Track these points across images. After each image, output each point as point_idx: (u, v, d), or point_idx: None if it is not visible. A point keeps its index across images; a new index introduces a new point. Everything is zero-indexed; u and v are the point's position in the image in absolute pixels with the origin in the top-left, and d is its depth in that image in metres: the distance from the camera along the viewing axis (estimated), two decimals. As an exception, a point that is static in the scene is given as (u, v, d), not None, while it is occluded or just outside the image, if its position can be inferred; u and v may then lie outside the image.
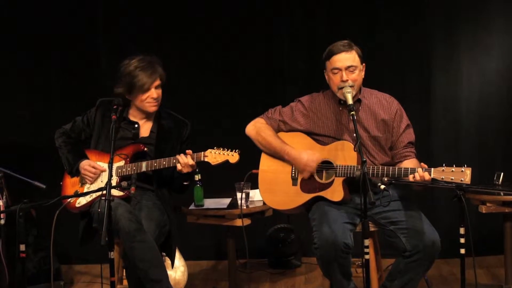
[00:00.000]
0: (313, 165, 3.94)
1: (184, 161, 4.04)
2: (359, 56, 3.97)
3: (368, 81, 4.09)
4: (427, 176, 3.63)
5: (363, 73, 4.01)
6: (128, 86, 4.19)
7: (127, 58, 4.26)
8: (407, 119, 4.07)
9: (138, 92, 4.19)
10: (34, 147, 5.64)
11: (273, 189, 4.08)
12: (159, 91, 4.25)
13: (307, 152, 3.98)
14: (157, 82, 4.22)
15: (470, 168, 3.55)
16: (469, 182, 3.53)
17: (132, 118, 4.33)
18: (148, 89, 4.19)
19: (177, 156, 4.05)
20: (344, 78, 3.92)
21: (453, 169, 3.58)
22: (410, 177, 3.68)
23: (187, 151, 4.08)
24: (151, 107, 4.25)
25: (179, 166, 4.05)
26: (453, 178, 3.56)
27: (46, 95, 5.75)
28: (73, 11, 5.67)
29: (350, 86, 3.89)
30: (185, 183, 4.24)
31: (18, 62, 5.73)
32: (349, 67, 3.93)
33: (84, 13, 5.69)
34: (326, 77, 4.03)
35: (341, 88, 3.91)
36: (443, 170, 3.60)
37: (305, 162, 3.95)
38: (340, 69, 3.93)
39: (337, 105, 4.05)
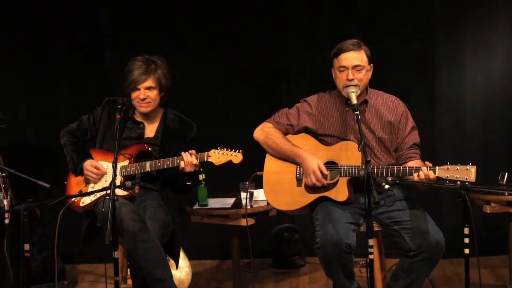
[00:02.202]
0: (319, 176, 3.92)
1: (188, 159, 4.04)
2: (367, 56, 3.96)
3: (372, 81, 4.09)
4: (431, 175, 3.63)
5: (370, 74, 4.01)
6: (124, 83, 4.20)
7: (135, 56, 4.27)
8: (412, 121, 4.06)
9: (129, 89, 4.20)
10: (39, 146, 5.66)
11: (278, 190, 4.08)
12: (152, 93, 4.21)
13: (316, 162, 3.94)
14: (148, 84, 4.18)
15: (475, 166, 3.55)
16: (474, 180, 3.52)
17: (137, 118, 4.34)
18: (137, 88, 4.19)
19: (182, 154, 4.05)
20: (350, 77, 3.91)
21: (458, 168, 3.58)
22: (415, 176, 3.68)
23: (190, 151, 4.08)
24: (140, 107, 4.24)
25: (182, 164, 4.05)
26: (458, 176, 3.56)
27: (50, 94, 5.77)
28: (77, 10, 5.68)
29: (355, 85, 3.89)
30: (188, 183, 4.24)
31: (21, 61, 5.75)
32: (356, 66, 3.92)
33: (89, 13, 5.70)
34: (333, 74, 4.02)
35: (347, 86, 3.91)
36: (447, 168, 3.60)
37: (313, 168, 3.94)
38: (346, 68, 3.93)
39: (343, 105, 4.05)
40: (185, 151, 4.14)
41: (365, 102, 4.04)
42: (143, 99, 4.20)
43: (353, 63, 3.92)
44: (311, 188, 3.98)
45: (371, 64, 4.00)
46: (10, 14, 5.70)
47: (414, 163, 3.93)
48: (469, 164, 3.56)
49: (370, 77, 4.02)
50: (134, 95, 4.21)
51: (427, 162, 3.72)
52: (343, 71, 3.95)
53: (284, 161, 4.09)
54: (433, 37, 5.58)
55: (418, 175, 3.67)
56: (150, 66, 4.19)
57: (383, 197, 3.72)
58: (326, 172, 3.91)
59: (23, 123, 5.72)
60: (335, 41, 4.06)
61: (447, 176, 3.59)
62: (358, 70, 3.93)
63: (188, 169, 4.06)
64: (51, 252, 4.90)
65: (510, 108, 5.55)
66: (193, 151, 4.07)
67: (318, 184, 3.91)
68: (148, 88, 4.19)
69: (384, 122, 4.03)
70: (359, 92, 3.91)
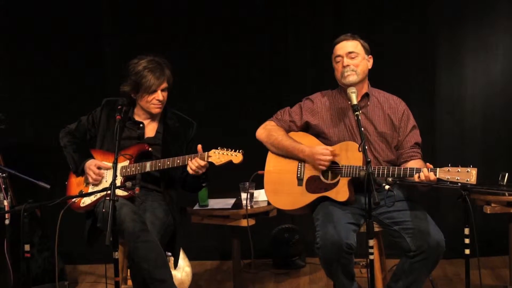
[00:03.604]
0: (325, 152, 3.92)
1: (196, 165, 4.01)
2: (363, 46, 4.02)
3: (373, 81, 4.10)
4: (432, 176, 3.63)
5: (370, 64, 4.04)
6: (135, 86, 4.19)
7: (137, 57, 4.25)
8: (413, 120, 4.07)
9: (144, 92, 4.20)
10: (39, 147, 5.65)
11: (279, 189, 4.08)
12: (165, 94, 4.25)
13: (319, 146, 3.97)
14: (164, 85, 4.22)
15: (476, 169, 3.54)
16: (475, 183, 3.53)
17: (137, 118, 4.33)
18: (154, 91, 4.19)
19: (189, 163, 4.02)
20: (345, 63, 3.96)
21: (459, 170, 3.57)
22: (416, 177, 3.68)
23: (198, 146, 4.07)
24: (155, 109, 4.25)
25: (191, 171, 4.03)
26: (458, 178, 3.56)
27: (50, 95, 5.77)
28: (77, 10, 5.68)
29: (352, 70, 3.92)
30: (203, 184, 4.26)
31: (22, 62, 5.75)
32: (350, 52, 3.97)
33: (89, 13, 5.70)
34: (334, 69, 4.05)
35: (345, 76, 3.93)
36: (448, 170, 3.60)
37: (317, 150, 3.94)
38: (341, 56, 3.98)
39: (345, 103, 4.05)
40: (186, 150, 4.18)
41: (367, 95, 4.06)
42: (161, 101, 4.23)
43: (347, 50, 3.98)
44: (311, 188, 3.98)
45: (370, 55, 4.03)
46: (10, 15, 5.69)
47: (415, 163, 3.94)
48: (470, 166, 3.56)
49: (370, 67, 4.04)
50: (150, 97, 4.21)
51: (428, 164, 3.71)
52: (339, 61, 4.00)
53: (286, 160, 4.08)
54: (433, 37, 5.58)
55: (419, 177, 3.67)
56: (163, 67, 4.22)
57: (384, 198, 3.72)
58: (328, 150, 3.91)
59: (24, 124, 5.72)
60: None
61: (447, 178, 3.59)
62: (352, 57, 3.98)
63: (201, 171, 4.03)
64: (52, 252, 4.90)
65: (510, 108, 5.54)
66: (200, 146, 4.06)
67: (328, 158, 3.89)
68: (164, 89, 4.23)
69: (386, 117, 4.04)
70: (358, 78, 3.92)
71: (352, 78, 3.90)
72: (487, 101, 5.58)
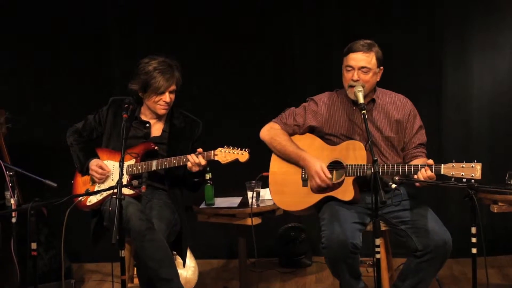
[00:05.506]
0: (323, 177, 3.92)
1: (195, 160, 4.04)
2: (377, 59, 3.95)
3: (381, 81, 4.08)
4: (429, 172, 3.63)
5: (378, 77, 4.00)
6: (144, 85, 4.20)
7: (148, 56, 4.26)
8: (420, 120, 4.06)
9: (152, 93, 4.20)
10: (46, 145, 5.66)
11: (284, 190, 4.07)
12: (173, 96, 4.25)
13: (321, 167, 3.92)
14: (173, 87, 4.23)
15: (480, 164, 3.54)
16: (479, 178, 3.52)
17: (143, 118, 4.34)
18: (162, 93, 4.20)
19: (188, 156, 4.06)
20: (355, 77, 3.91)
21: (463, 165, 3.57)
22: (419, 175, 3.67)
23: (198, 149, 4.08)
24: (161, 110, 4.26)
25: (189, 164, 4.06)
26: (463, 174, 3.55)
27: (57, 94, 5.77)
28: (85, 11, 5.69)
29: (361, 86, 3.89)
30: (195, 179, 4.25)
31: (29, 62, 5.76)
32: (362, 67, 3.91)
33: (97, 13, 5.71)
34: (342, 74, 4.02)
35: (351, 86, 3.91)
36: (453, 166, 3.59)
37: (316, 170, 3.93)
38: (353, 68, 3.93)
39: (350, 105, 4.04)
40: (192, 149, 4.17)
41: (373, 101, 4.04)
42: (168, 103, 4.24)
43: (360, 64, 3.92)
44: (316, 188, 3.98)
45: (381, 67, 3.99)
46: (12, 15, 5.70)
47: (419, 161, 3.93)
48: (474, 162, 3.55)
49: (378, 79, 4.00)
50: (157, 98, 4.22)
51: (429, 161, 3.69)
52: (349, 70, 3.95)
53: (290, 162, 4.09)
54: (440, 36, 5.56)
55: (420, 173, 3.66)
56: (173, 69, 4.22)
57: (390, 197, 3.71)
58: (328, 175, 3.90)
59: (30, 123, 5.72)
60: (342, 40, 4.08)
61: (452, 174, 3.58)
62: (364, 72, 3.93)
63: (195, 169, 4.07)
64: (58, 251, 4.91)
65: (517, 107, 5.54)
66: (200, 149, 4.08)
67: (322, 185, 3.91)
68: (172, 91, 4.23)
69: (391, 121, 4.02)
70: (364, 94, 3.90)
71: (360, 93, 3.85)
72: (494, 100, 5.56)
